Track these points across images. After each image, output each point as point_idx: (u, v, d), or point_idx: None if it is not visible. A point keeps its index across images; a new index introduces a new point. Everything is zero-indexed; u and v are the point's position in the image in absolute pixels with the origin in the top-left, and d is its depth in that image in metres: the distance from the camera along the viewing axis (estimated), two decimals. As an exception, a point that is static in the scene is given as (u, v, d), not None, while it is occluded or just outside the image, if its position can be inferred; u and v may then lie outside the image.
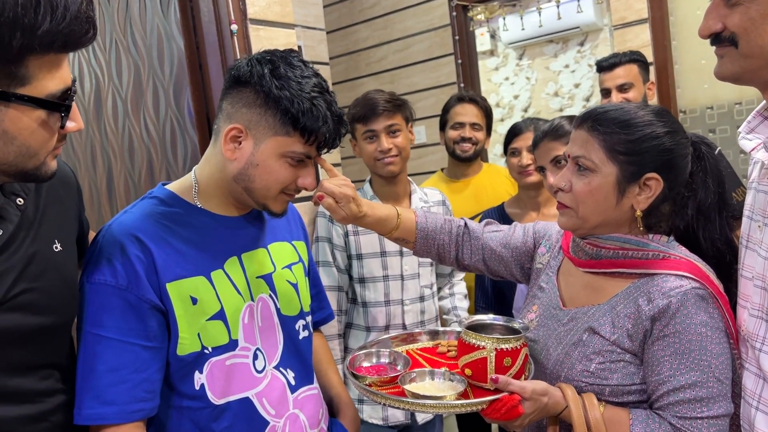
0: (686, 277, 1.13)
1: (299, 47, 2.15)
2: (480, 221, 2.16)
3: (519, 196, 2.18)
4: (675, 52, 2.61)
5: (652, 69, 2.62)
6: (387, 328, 1.92)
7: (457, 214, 2.41)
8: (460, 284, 2.17)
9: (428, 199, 2.05)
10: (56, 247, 1.06)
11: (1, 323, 0.94)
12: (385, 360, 1.32)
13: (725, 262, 1.21)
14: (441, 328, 1.48)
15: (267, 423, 1.21)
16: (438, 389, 1.19)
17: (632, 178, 1.17)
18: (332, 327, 1.92)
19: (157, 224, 1.16)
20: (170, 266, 1.13)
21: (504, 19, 5.63)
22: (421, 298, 1.95)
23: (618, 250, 1.21)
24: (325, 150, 1.21)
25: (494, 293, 2.13)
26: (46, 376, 1.04)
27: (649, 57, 2.64)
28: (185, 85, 1.91)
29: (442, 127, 2.53)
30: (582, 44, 6.19)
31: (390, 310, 1.92)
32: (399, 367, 1.28)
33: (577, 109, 6.24)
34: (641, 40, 2.66)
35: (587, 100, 6.24)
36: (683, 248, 1.21)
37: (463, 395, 1.16)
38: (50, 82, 0.88)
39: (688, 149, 1.21)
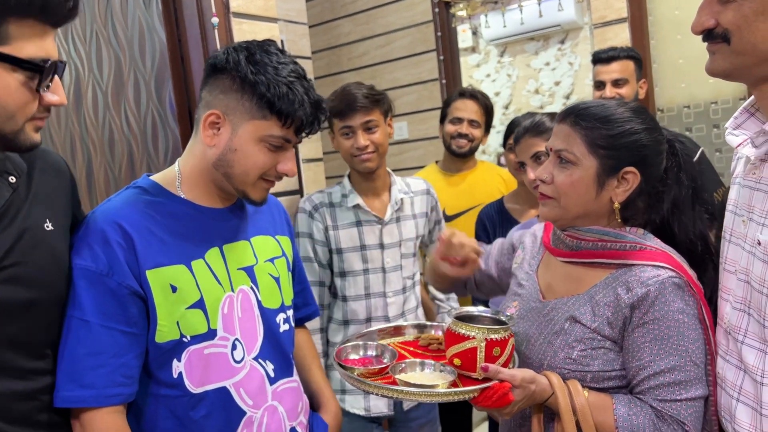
0: (663, 267, 1.17)
1: (281, 41, 2.15)
2: (479, 216, 2.20)
3: (518, 192, 2.20)
4: (653, 51, 2.64)
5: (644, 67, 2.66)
6: (368, 320, 1.93)
7: (451, 208, 2.46)
8: None
9: (410, 189, 2.05)
10: (48, 226, 1.08)
11: None
12: (372, 352, 1.33)
13: (698, 254, 1.25)
14: (428, 323, 1.48)
15: (244, 413, 1.22)
16: (429, 379, 1.20)
17: (611, 171, 1.21)
18: (315, 321, 1.92)
19: (140, 213, 1.17)
20: (151, 254, 1.14)
21: (486, 16, 5.66)
22: (404, 290, 1.97)
23: (597, 242, 1.25)
24: (305, 135, 1.22)
25: None
26: (38, 355, 1.06)
27: (628, 56, 2.67)
28: (167, 78, 1.90)
29: (442, 120, 2.54)
30: (563, 42, 6.24)
31: (371, 303, 1.93)
32: (386, 360, 1.29)
33: (557, 107, 6.29)
34: (621, 39, 2.69)
35: (567, 97, 6.29)
36: (658, 240, 1.25)
37: (453, 385, 1.18)
38: (30, 47, 0.91)
39: (664, 145, 1.26)
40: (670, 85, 2.66)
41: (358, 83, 1.93)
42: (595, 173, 1.21)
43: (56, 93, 0.99)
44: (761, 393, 1.02)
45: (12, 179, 1.05)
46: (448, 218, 2.43)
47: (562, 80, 6.31)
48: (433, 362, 1.25)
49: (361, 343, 1.36)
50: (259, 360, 1.26)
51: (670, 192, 1.26)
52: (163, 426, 1.18)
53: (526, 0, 5.41)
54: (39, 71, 0.93)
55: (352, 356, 1.32)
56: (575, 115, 1.23)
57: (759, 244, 1.02)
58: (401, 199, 1.98)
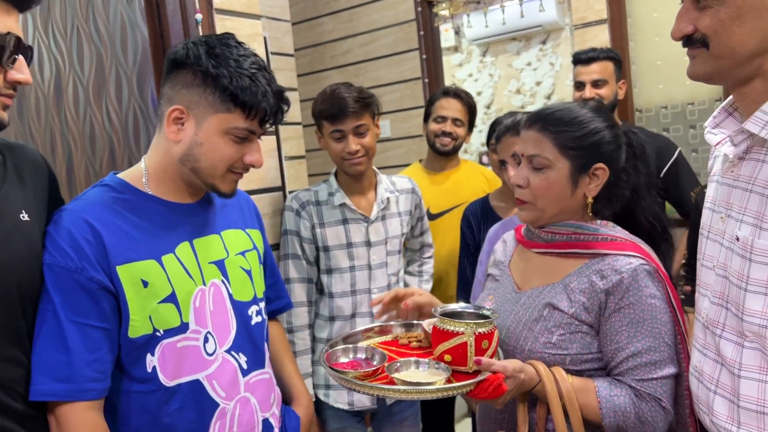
0: (634, 255, 1.26)
1: (264, 38, 2.15)
2: (465, 214, 2.22)
3: (503, 190, 2.22)
4: (632, 52, 2.68)
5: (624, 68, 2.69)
6: (353, 316, 1.94)
7: (435, 207, 2.48)
8: (429, 262, 2.21)
9: (396, 188, 2.07)
10: (23, 217, 1.09)
11: None
12: (361, 355, 1.35)
13: (658, 234, 1.37)
14: (414, 321, 1.50)
15: (217, 405, 1.24)
16: (424, 376, 1.23)
17: (583, 169, 1.30)
18: (302, 318, 1.94)
19: (109, 210, 1.18)
20: (121, 250, 1.16)
21: (468, 16, 5.70)
22: (389, 287, 1.99)
23: (572, 235, 1.33)
24: (269, 125, 1.24)
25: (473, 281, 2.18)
26: (16, 344, 1.07)
27: (608, 57, 2.71)
28: (149, 74, 1.90)
29: (426, 118, 2.56)
30: (544, 42, 6.30)
31: (356, 300, 1.95)
32: (375, 361, 1.30)
33: (538, 107, 6.35)
34: (600, 40, 2.73)
35: (548, 98, 6.36)
36: (626, 231, 1.34)
37: (449, 381, 1.21)
38: None
39: (623, 138, 1.34)
40: (648, 85, 2.71)
41: (346, 84, 1.93)
42: (568, 173, 1.30)
43: (21, 71, 1.02)
44: (738, 385, 1.05)
45: None
46: (432, 217, 2.45)
47: (543, 80, 6.38)
48: (427, 360, 1.27)
49: (351, 346, 1.38)
50: (232, 352, 1.28)
51: (630, 180, 1.35)
52: (136, 422, 1.19)
53: (508, 0, 5.46)
54: (1, 44, 0.95)
55: (342, 359, 1.34)
56: (542, 121, 1.31)
57: (737, 240, 1.05)
58: (387, 198, 2.00)
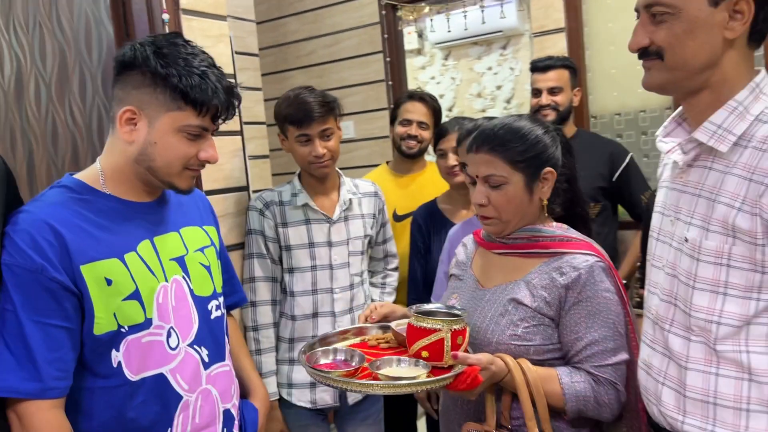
0: (589, 254, 1.37)
1: (230, 38, 2.17)
2: (414, 217, 2.28)
3: (450, 194, 2.28)
4: (588, 61, 2.78)
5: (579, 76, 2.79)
6: (315, 315, 1.98)
7: (401, 209, 2.52)
8: (393, 275, 2.25)
9: (358, 191, 2.11)
10: None
11: None
12: (341, 357, 1.39)
13: (585, 220, 1.53)
14: (390, 324, 1.55)
15: (181, 397, 1.27)
16: (407, 372, 1.28)
17: (534, 177, 1.40)
18: (266, 316, 1.97)
19: (68, 210, 1.19)
20: (83, 250, 1.17)
21: (431, 19, 5.78)
22: (351, 286, 2.02)
23: (531, 238, 1.43)
24: (221, 121, 1.27)
25: (424, 286, 2.23)
26: None
27: (565, 65, 2.80)
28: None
29: (392, 121, 2.60)
30: (504, 48, 6.43)
31: (317, 299, 1.99)
32: (355, 362, 1.34)
33: (498, 111, 6.47)
34: (558, 48, 2.82)
35: (508, 101, 6.48)
36: (578, 232, 1.45)
37: (429, 375, 1.26)
38: None
39: (557, 138, 1.45)
40: (603, 93, 2.81)
41: (309, 88, 1.96)
42: (523, 184, 1.39)
43: None
44: (685, 376, 1.13)
45: None
46: (399, 218, 2.50)
47: (503, 85, 6.50)
48: (405, 358, 1.33)
49: (330, 348, 1.42)
50: (194, 346, 1.31)
51: (564, 173, 1.46)
52: (100, 418, 1.21)
53: (471, 6, 5.55)
54: None
55: (323, 361, 1.38)
56: (489, 142, 1.40)
57: (686, 240, 1.14)
58: (350, 200, 2.04)
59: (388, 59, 3.86)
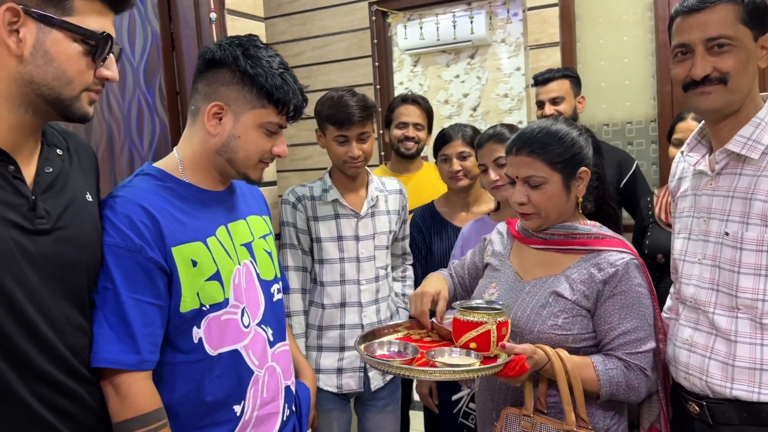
0: (624, 251, 1.49)
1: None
2: (413, 218, 2.40)
3: (449, 197, 2.40)
4: (580, 74, 2.97)
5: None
6: (342, 305, 2.09)
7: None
8: (410, 269, 2.37)
9: (385, 188, 2.22)
10: (88, 197, 1.18)
11: (52, 251, 1.06)
12: (395, 348, 1.50)
13: (613, 217, 1.65)
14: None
15: (252, 372, 1.36)
16: (461, 360, 1.39)
17: (571, 176, 1.52)
18: (297, 303, 2.06)
19: (157, 196, 1.28)
20: (173, 233, 1.26)
21: (405, 26, 5.93)
22: (377, 278, 2.14)
23: (569, 235, 1.55)
24: (293, 120, 1.38)
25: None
26: (84, 314, 1.15)
27: (559, 77, 3.00)
28: (158, 68, 1.96)
29: (387, 125, 2.72)
30: (472, 57, 6.65)
31: (345, 289, 2.09)
32: (409, 353, 1.46)
33: (464, 118, 6.69)
34: (552, 61, 3.01)
35: (474, 109, 6.71)
36: (612, 231, 1.57)
37: (482, 363, 1.38)
38: (91, 22, 1.04)
39: (589, 139, 1.58)
40: (593, 105, 3.02)
41: (351, 91, 2.05)
42: (561, 184, 1.51)
43: (110, 69, 1.10)
44: (735, 349, 1.33)
45: (59, 152, 1.16)
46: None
47: (470, 93, 6.72)
48: (456, 348, 1.44)
49: (384, 341, 1.54)
50: (262, 326, 1.40)
51: (596, 171, 1.59)
52: (180, 390, 1.28)
53: (443, 15, 5.74)
54: (97, 43, 1.05)
55: (379, 352, 1.49)
56: (529, 145, 1.51)
57: (726, 234, 1.34)
58: (377, 196, 2.15)
59: (376, 64, 3.98)
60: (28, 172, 1.07)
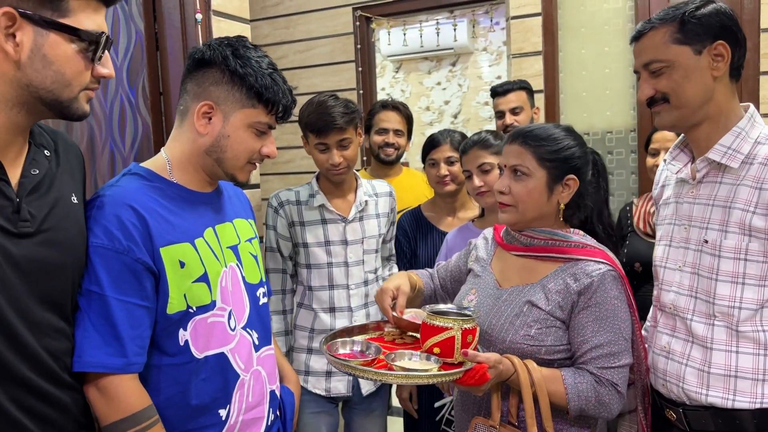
0: (602, 262, 1.47)
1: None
2: (399, 222, 2.40)
3: (435, 201, 2.41)
4: (561, 83, 3.01)
5: (541, 96, 3.02)
6: (332, 310, 2.08)
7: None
8: (396, 268, 2.38)
9: (375, 191, 2.22)
10: (74, 199, 1.17)
11: (35, 254, 1.05)
12: (358, 348, 1.50)
13: (614, 239, 1.63)
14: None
15: (238, 376, 1.35)
16: (418, 365, 1.38)
17: (557, 179, 1.51)
18: (276, 304, 2.07)
19: (146, 196, 1.27)
20: (162, 233, 1.24)
21: (388, 32, 5.95)
22: (366, 283, 2.14)
23: (548, 240, 1.53)
24: (281, 120, 1.38)
25: None
26: (64, 317, 1.13)
27: (540, 86, 3.02)
28: (142, 68, 1.94)
29: (367, 130, 2.72)
30: (454, 65, 6.70)
31: (334, 294, 2.09)
32: (371, 353, 1.46)
33: (445, 125, 6.73)
34: (534, 69, 3.04)
35: (455, 116, 6.75)
36: (594, 239, 1.56)
37: (441, 369, 1.37)
38: (87, 21, 1.03)
39: (590, 156, 1.58)
40: (574, 114, 3.05)
41: (333, 96, 2.03)
42: (545, 182, 1.50)
43: (106, 66, 1.09)
44: (710, 356, 1.35)
45: (47, 153, 1.14)
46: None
47: (451, 100, 6.76)
48: (417, 352, 1.43)
49: (348, 339, 1.53)
50: (247, 329, 1.40)
51: (593, 194, 1.59)
52: (166, 393, 1.27)
53: (426, 22, 5.77)
54: (95, 42, 1.04)
55: (342, 351, 1.48)
56: (523, 137, 1.52)
57: (706, 242, 1.36)
58: (366, 201, 2.15)
59: (360, 69, 3.99)
60: (14, 173, 1.05)
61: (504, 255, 1.63)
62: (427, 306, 1.48)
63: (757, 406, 1.31)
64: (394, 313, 1.55)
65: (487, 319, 1.52)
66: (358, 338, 1.56)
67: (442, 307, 1.50)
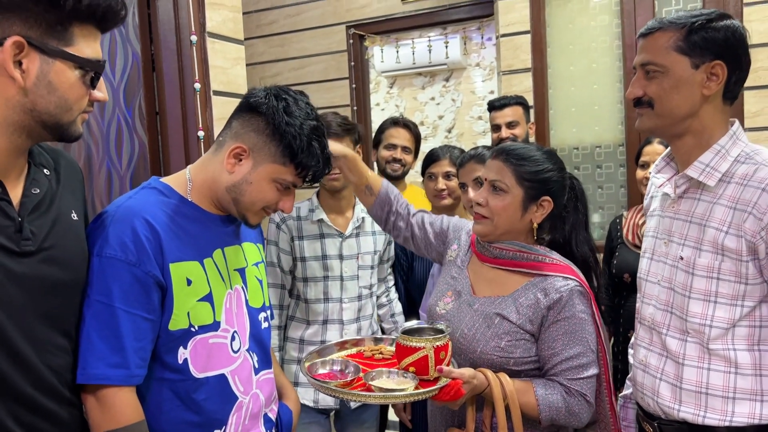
0: (570, 278, 1.52)
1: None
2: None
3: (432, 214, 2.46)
4: (551, 99, 3.07)
5: (531, 112, 3.08)
6: (324, 322, 2.12)
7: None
8: (392, 290, 2.41)
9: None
10: (74, 216, 1.20)
11: (37, 271, 1.07)
12: (337, 367, 1.53)
13: (589, 265, 1.64)
14: (383, 336, 1.75)
15: (236, 398, 1.36)
16: (396, 384, 1.43)
17: (533, 199, 1.55)
18: (274, 319, 2.09)
19: (161, 211, 1.29)
20: (173, 249, 1.27)
21: (381, 49, 6.03)
22: (359, 297, 2.17)
23: (517, 252, 1.58)
24: (308, 182, 1.41)
25: (406, 300, 2.41)
26: (65, 333, 1.15)
27: (530, 102, 3.08)
28: (139, 88, 1.98)
29: (375, 145, 2.78)
30: (447, 80, 6.76)
31: (328, 307, 2.13)
32: (350, 372, 1.49)
33: (439, 140, 6.79)
34: (525, 86, 3.10)
35: (449, 131, 6.81)
36: (559, 255, 1.60)
37: (417, 387, 1.41)
38: (87, 49, 1.07)
39: (567, 182, 1.62)
40: (563, 128, 3.11)
41: (334, 113, 2.10)
42: (521, 200, 1.55)
43: (101, 90, 1.14)
44: (682, 372, 1.36)
45: (47, 172, 1.18)
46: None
47: (445, 115, 6.82)
48: (395, 370, 1.47)
49: (328, 359, 1.57)
50: (248, 352, 1.41)
51: (570, 218, 1.63)
52: (167, 406, 1.28)
53: (419, 38, 5.86)
54: (95, 69, 1.08)
55: (321, 371, 1.52)
56: (506, 154, 1.57)
57: (681, 259, 1.38)
58: (362, 218, 2.20)
59: (353, 86, 4.05)
60: (15, 193, 1.08)
61: (477, 263, 1.67)
62: (400, 326, 1.54)
63: (727, 423, 1.32)
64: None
65: (459, 327, 1.57)
66: (336, 357, 1.61)
67: (413, 324, 1.54)
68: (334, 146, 1.60)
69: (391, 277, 2.41)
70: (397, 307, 2.38)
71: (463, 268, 1.69)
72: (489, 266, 1.62)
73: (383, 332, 2.32)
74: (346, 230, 2.16)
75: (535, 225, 1.58)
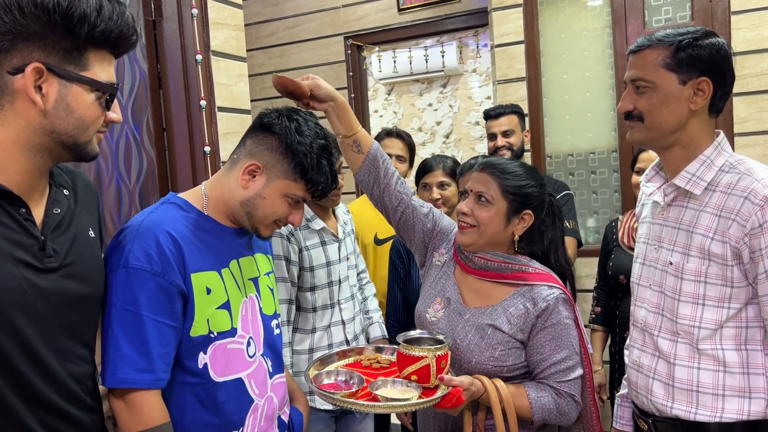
0: (554, 286, 1.62)
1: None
2: (394, 244, 2.51)
3: None
4: (545, 107, 3.14)
5: (527, 120, 3.15)
6: (329, 327, 2.18)
7: (382, 233, 2.76)
8: (368, 286, 2.48)
9: (345, 211, 2.38)
10: (91, 234, 1.27)
11: (59, 286, 1.15)
12: (342, 378, 1.62)
13: (566, 275, 1.73)
14: (384, 345, 1.83)
15: (252, 401, 1.45)
16: (400, 392, 1.51)
17: (515, 212, 1.64)
18: (285, 336, 2.13)
19: (181, 224, 1.38)
20: (193, 260, 1.36)
21: (379, 57, 6.11)
22: (352, 297, 2.26)
23: (501, 263, 1.66)
24: (317, 197, 1.50)
25: (403, 309, 2.46)
26: (85, 344, 1.23)
27: (525, 110, 3.15)
28: (146, 105, 2.06)
29: None
30: (444, 86, 6.84)
31: (333, 311, 2.20)
32: (354, 382, 1.58)
33: (437, 145, 6.86)
34: (519, 94, 3.17)
35: (447, 137, 6.88)
36: (539, 263, 1.69)
37: (421, 396, 1.49)
38: (102, 73, 1.14)
39: (547, 198, 1.71)
40: (558, 135, 3.18)
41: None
42: (505, 212, 1.63)
43: (116, 112, 1.21)
44: (673, 371, 1.44)
45: (66, 192, 1.26)
46: (380, 242, 2.73)
47: (442, 121, 6.90)
48: (399, 379, 1.55)
49: (333, 370, 1.65)
50: (263, 356, 1.50)
51: (548, 232, 1.72)
52: (189, 408, 1.37)
53: (416, 47, 5.94)
54: (110, 92, 1.16)
55: (326, 381, 1.60)
56: (492, 167, 1.66)
57: (671, 264, 1.45)
58: (345, 220, 2.29)
59: (352, 95, 4.13)
60: (38, 213, 1.15)
61: (463, 273, 1.73)
62: (401, 335, 1.59)
63: (717, 419, 1.39)
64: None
65: (451, 337, 1.64)
66: (339, 366, 1.69)
67: (414, 334, 1.62)
68: (324, 86, 1.61)
69: (364, 274, 2.49)
70: (372, 302, 2.47)
71: (450, 273, 1.75)
72: (475, 278, 1.69)
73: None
74: (338, 234, 2.24)
75: (516, 237, 1.66)
